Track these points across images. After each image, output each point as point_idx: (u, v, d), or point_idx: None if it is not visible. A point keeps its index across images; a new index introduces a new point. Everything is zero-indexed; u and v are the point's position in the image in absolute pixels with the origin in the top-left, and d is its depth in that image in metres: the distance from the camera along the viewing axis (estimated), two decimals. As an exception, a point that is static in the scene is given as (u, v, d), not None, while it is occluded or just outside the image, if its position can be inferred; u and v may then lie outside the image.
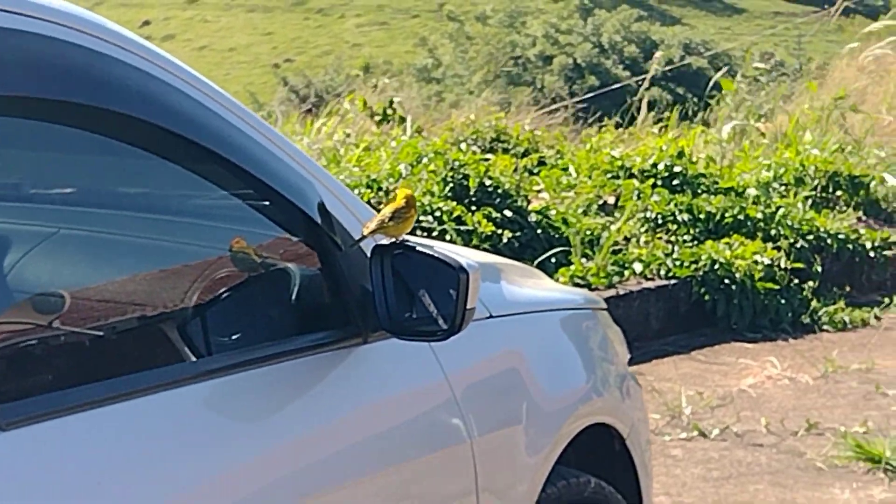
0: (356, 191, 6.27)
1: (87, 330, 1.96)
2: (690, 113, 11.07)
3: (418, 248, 2.31)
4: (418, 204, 6.43)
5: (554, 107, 10.71)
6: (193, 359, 2.10)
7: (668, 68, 28.46)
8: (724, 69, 13.84)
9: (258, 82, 31.29)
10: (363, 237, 2.32)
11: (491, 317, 2.68)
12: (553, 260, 6.69)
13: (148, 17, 43.57)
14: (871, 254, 7.91)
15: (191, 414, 1.91)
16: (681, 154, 8.10)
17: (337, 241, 2.29)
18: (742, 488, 4.79)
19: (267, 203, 2.25)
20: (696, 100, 12.33)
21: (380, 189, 6.43)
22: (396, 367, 2.39)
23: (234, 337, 2.24)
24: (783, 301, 7.04)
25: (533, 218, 6.88)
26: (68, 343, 1.91)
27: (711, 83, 10.74)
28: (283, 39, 40.98)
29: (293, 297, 2.28)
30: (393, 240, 2.33)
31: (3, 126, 1.84)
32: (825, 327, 7.08)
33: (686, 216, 7.41)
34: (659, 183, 7.82)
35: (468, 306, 2.26)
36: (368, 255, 2.29)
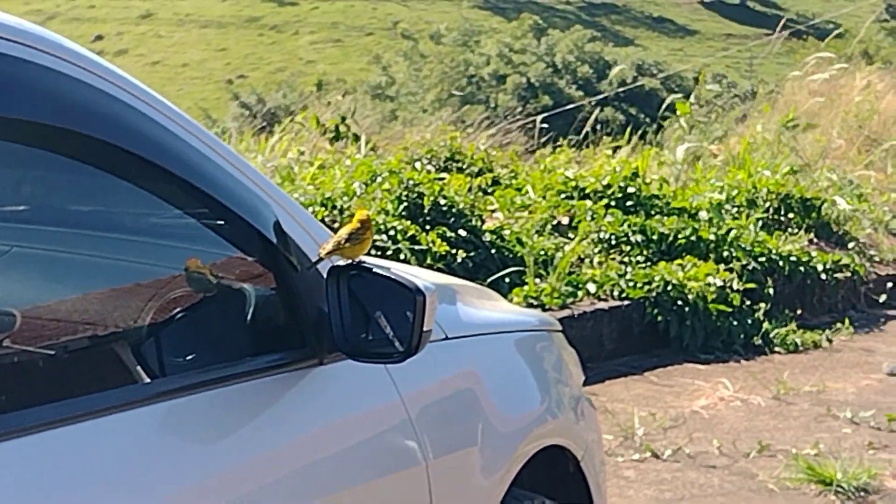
0: (310, 209, 6.23)
1: (38, 349, 1.92)
2: (643, 134, 11.14)
3: (374, 269, 2.30)
4: (373, 222, 6.38)
5: (508, 125, 10.71)
6: (147, 380, 2.07)
7: (620, 89, 28.65)
8: (678, 91, 13.96)
9: (211, 98, 31.12)
10: (320, 259, 2.29)
11: (447, 338, 2.66)
12: (507, 280, 6.68)
13: (101, 31, 43.26)
14: (823, 276, 7.98)
15: (142, 437, 1.87)
16: (634, 175, 8.13)
17: (293, 261, 2.27)
18: (695, 510, 4.79)
19: (222, 222, 2.22)
20: (648, 120, 12.40)
21: (334, 207, 6.40)
22: (352, 388, 2.36)
23: (188, 357, 2.21)
24: (735, 322, 7.08)
25: (487, 238, 6.87)
26: (18, 363, 1.88)
27: (665, 104, 10.80)
28: (236, 55, 40.81)
29: (249, 317, 2.24)
30: (350, 261, 2.31)
31: None
32: (777, 349, 7.13)
33: (639, 237, 7.43)
34: (612, 204, 7.84)
35: (425, 328, 2.25)
36: (325, 276, 2.27)
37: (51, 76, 1.86)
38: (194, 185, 2.10)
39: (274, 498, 2.05)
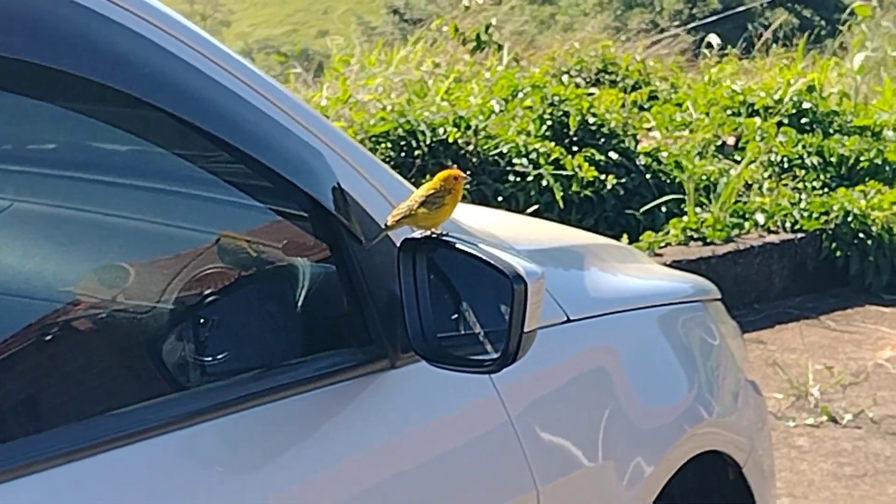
0: (442, 129, 5.63)
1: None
2: (817, 39, 10.22)
3: (458, 244, 1.75)
4: (512, 144, 5.79)
5: (671, 33, 9.88)
6: (170, 393, 1.59)
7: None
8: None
9: (366, 1, 30.61)
10: (386, 228, 1.76)
11: (568, 321, 2.11)
12: (663, 209, 6.06)
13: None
14: None
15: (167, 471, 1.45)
16: (810, 88, 7.53)
17: (356, 232, 1.74)
18: (880, 489, 4.15)
19: (264, 182, 1.70)
20: (824, 24, 11.42)
21: (468, 128, 5.80)
22: (437, 400, 1.84)
23: (218, 361, 1.67)
24: (926, 258, 6.51)
25: (641, 161, 6.34)
26: None
27: (848, 11, 9.82)
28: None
29: (299, 304, 1.73)
30: (427, 232, 1.76)
31: None
32: (976, 289, 6.36)
33: (815, 160, 6.88)
34: (785, 121, 7.30)
35: (526, 328, 1.69)
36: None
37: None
38: (216, 133, 1.61)
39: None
